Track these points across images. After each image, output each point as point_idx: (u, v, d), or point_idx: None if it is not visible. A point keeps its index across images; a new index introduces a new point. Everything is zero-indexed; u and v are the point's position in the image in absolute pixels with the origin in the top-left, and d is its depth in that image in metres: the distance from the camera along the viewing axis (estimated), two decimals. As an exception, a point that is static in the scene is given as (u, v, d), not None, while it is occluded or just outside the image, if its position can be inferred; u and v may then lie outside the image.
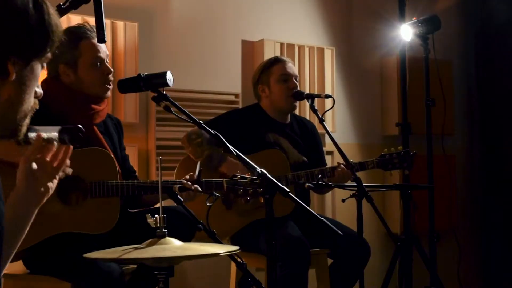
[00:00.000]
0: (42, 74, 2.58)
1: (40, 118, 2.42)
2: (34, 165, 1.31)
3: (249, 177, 2.60)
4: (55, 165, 1.35)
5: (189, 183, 2.53)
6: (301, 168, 3.19)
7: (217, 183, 2.72)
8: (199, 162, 2.69)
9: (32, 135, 1.30)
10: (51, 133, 1.30)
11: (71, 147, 1.35)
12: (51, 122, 2.43)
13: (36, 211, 1.34)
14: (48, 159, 1.34)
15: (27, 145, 1.32)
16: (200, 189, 2.54)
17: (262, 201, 1.96)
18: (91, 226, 2.43)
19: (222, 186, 2.72)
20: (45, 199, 1.35)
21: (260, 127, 3.29)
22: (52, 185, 1.35)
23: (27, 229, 1.35)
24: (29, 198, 1.32)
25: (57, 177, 1.36)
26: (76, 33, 2.55)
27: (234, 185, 2.61)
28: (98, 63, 2.56)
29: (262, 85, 3.34)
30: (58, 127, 1.31)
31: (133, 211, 2.69)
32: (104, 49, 2.59)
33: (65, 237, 2.40)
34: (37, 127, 1.31)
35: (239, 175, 2.67)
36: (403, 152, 3.17)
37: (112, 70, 2.62)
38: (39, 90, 1.28)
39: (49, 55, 1.29)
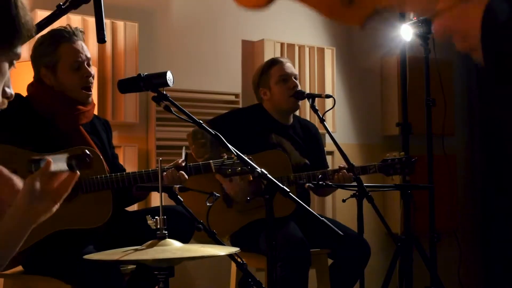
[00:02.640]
0: (29, 77, 2.60)
1: (30, 119, 2.45)
2: (38, 186, 1.31)
3: (235, 157, 2.61)
4: (59, 191, 1.35)
5: (175, 169, 2.55)
6: (302, 170, 3.18)
7: (205, 166, 2.71)
8: (183, 147, 2.69)
9: (43, 164, 1.31)
10: (60, 164, 1.31)
11: (78, 173, 1.35)
12: (40, 123, 2.47)
13: (31, 228, 1.34)
14: (54, 186, 1.34)
15: None
16: (186, 176, 2.54)
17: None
18: (85, 221, 2.43)
19: (210, 168, 2.71)
20: (42, 219, 1.34)
21: (263, 128, 3.29)
22: (53, 209, 1.35)
23: (21, 244, 1.35)
24: (27, 218, 1.32)
25: (59, 203, 1.35)
26: (56, 36, 2.54)
27: (221, 165, 2.62)
28: (77, 67, 2.55)
29: (263, 88, 3.34)
30: (66, 154, 1.32)
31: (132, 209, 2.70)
32: (84, 52, 2.57)
33: (62, 237, 2.39)
34: (47, 156, 1.32)
35: (225, 156, 2.68)
36: (404, 158, 3.17)
37: (92, 73, 2.59)
38: (9, 91, 1.23)
39: (18, 50, 1.20)
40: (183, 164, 2.58)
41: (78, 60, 2.55)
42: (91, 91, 2.61)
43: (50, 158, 1.30)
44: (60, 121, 2.52)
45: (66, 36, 2.54)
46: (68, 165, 1.31)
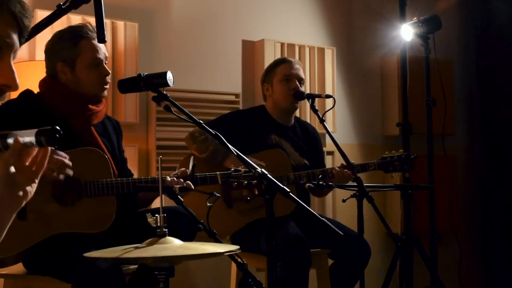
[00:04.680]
0: (41, 73, 2.59)
1: (40, 116, 2.44)
2: (12, 169, 1.29)
3: (243, 169, 2.61)
4: (33, 169, 1.32)
5: (181, 179, 2.52)
6: (302, 171, 3.18)
7: (211, 177, 2.71)
8: (192, 157, 2.69)
9: (11, 140, 1.27)
10: (29, 137, 1.27)
11: (49, 149, 1.32)
12: (50, 120, 2.46)
13: (14, 215, 1.32)
14: (27, 163, 1.32)
15: (6, 151, 1.30)
16: (192, 186, 2.53)
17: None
18: (87, 225, 2.42)
19: (216, 180, 2.71)
20: (24, 203, 1.32)
21: (263, 128, 3.30)
22: (31, 189, 1.32)
23: (5, 231, 1.32)
24: (7, 202, 1.29)
25: (36, 180, 1.33)
26: (77, 32, 2.54)
27: (228, 178, 2.61)
28: (96, 64, 2.55)
29: (267, 84, 3.38)
30: (35, 130, 1.28)
31: (139, 210, 2.70)
32: (103, 51, 2.58)
33: (63, 238, 2.39)
34: (15, 132, 1.28)
35: (233, 168, 2.67)
36: (404, 155, 3.18)
37: (109, 71, 2.60)
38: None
39: (13, 38, 1.20)
40: (188, 174, 2.57)
41: (98, 57, 2.54)
42: (107, 86, 2.60)
43: (17, 134, 1.27)
44: (73, 120, 2.51)
45: (88, 33, 2.54)
46: (37, 141, 1.26)
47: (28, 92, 2.54)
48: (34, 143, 1.26)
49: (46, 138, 1.26)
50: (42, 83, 2.57)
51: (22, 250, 2.33)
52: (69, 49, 2.51)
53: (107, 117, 2.77)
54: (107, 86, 2.60)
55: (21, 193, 1.29)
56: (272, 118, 3.36)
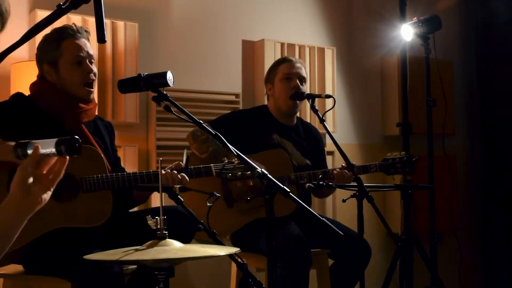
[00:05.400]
0: (28, 77, 2.59)
1: (33, 117, 2.44)
2: (30, 178, 1.30)
3: (236, 161, 2.61)
4: (50, 177, 1.34)
5: (175, 171, 2.52)
6: (304, 171, 3.18)
7: (206, 169, 2.71)
8: (185, 149, 2.69)
9: (30, 150, 1.29)
10: (49, 148, 1.29)
11: (67, 158, 1.34)
12: (43, 121, 2.46)
13: (27, 219, 1.34)
14: (44, 171, 1.33)
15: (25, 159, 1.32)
16: (187, 178, 2.53)
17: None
18: (85, 220, 2.42)
19: (210, 172, 2.70)
20: (38, 208, 1.34)
21: (265, 128, 3.29)
22: (46, 196, 1.34)
23: (17, 235, 1.35)
24: (22, 207, 1.32)
25: (52, 188, 1.35)
26: (59, 33, 2.54)
27: (222, 169, 2.61)
28: (78, 62, 2.54)
29: (269, 83, 3.37)
30: (55, 139, 1.30)
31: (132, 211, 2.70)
32: (86, 49, 2.56)
33: (62, 236, 2.39)
34: (35, 141, 1.30)
35: (226, 160, 2.67)
36: (405, 158, 3.17)
37: (93, 69, 2.58)
38: None
39: None
40: (183, 166, 2.57)
41: (80, 55, 2.54)
42: (92, 88, 2.59)
43: (38, 143, 1.29)
44: (64, 119, 2.52)
45: (70, 33, 2.54)
46: (57, 150, 1.29)
47: (19, 94, 2.56)
48: (55, 152, 1.28)
49: (66, 147, 1.29)
50: (33, 86, 2.58)
51: (20, 247, 2.33)
52: (52, 50, 2.52)
53: (99, 118, 2.78)
54: (92, 89, 2.58)
55: (36, 200, 1.31)
56: (274, 118, 3.35)
